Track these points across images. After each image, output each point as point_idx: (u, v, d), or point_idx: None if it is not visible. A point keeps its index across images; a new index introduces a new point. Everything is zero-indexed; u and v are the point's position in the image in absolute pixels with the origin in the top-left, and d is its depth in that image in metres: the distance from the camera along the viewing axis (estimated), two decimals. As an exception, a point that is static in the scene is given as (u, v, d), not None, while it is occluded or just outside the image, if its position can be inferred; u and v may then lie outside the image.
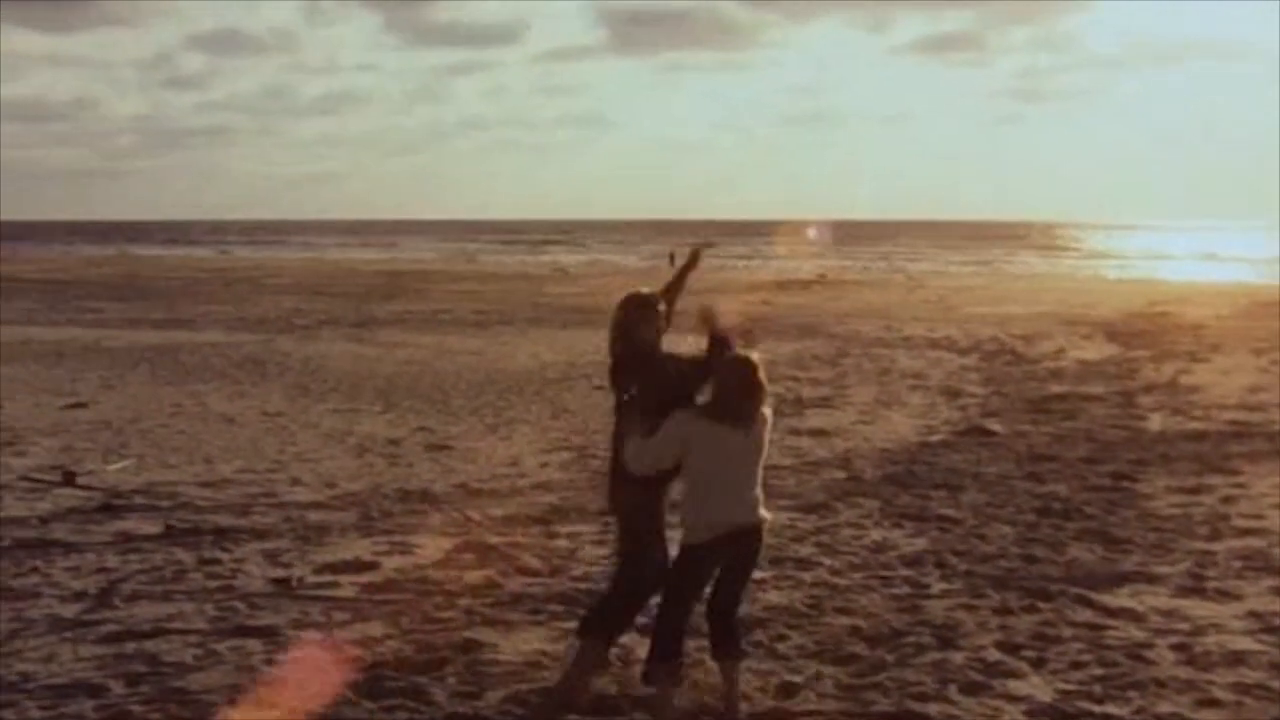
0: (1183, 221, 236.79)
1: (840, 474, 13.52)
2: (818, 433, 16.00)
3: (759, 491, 6.77)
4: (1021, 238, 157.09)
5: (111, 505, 11.91)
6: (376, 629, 8.30)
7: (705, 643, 7.01)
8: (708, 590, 6.86)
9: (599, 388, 20.23)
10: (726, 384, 6.69)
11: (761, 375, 6.68)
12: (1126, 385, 20.47)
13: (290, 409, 18.18)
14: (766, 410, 6.78)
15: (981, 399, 19.14)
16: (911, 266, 79.69)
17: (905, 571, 9.65)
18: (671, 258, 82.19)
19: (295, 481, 13.14)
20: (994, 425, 16.52)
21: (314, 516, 11.48)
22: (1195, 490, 12.66)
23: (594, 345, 26.38)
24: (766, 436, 6.80)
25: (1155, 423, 16.93)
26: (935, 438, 15.82)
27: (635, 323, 7.09)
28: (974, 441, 15.44)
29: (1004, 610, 8.68)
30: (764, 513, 6.80)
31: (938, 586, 9.28)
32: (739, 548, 6.75)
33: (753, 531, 6.76)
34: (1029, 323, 31.85)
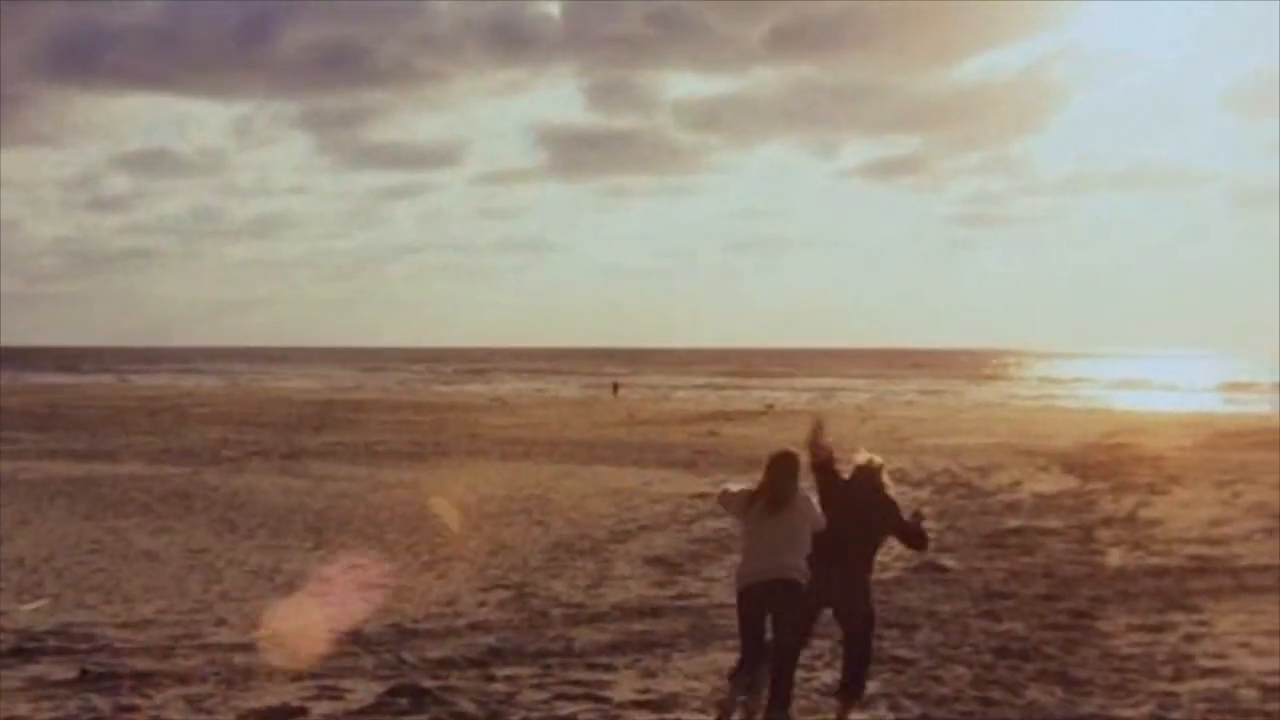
0: (1138, 350, 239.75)
1: (790, 613, 13.43)
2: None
3: (790, 558, 8.76)
4: (975, 366, 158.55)
5: (24, 649, 11.68)
6: (303, 780, 8.14)
7: None
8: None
9: (539, 523, 20.17)
10: (765, 478, 8.98)
11: (791, 471, 8.99)
12: (1084, 519, 20.57)
13: (216, 545, 17.99)
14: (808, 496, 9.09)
15: (935, 534, 19.14)
16: (862, 396, 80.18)
17: (858, 715, 9.58)
18: (615, 388, 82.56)
19: (220, 622, 12.96)
20: (948, 561, 16.54)
21: (239, 659, 11.30)
22: (1157, 628, 12.68)
23: (534, 479, 26.33)
24: (802, 516, 8.91)
25: (1115, 558, 17.00)
26: (888, 575, 15.77)
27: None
28: (927, 578, 15.44)
29: (961, 756, 8.61)
30: (793, 575, 8.70)
31: (892, 731, 9.20)
32: (769, 599, 8.70)
33: (775, 585, 8.68)
34: (983, 454, 32.03)
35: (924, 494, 23.98)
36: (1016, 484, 25.55)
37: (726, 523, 19.88)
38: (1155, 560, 16.80)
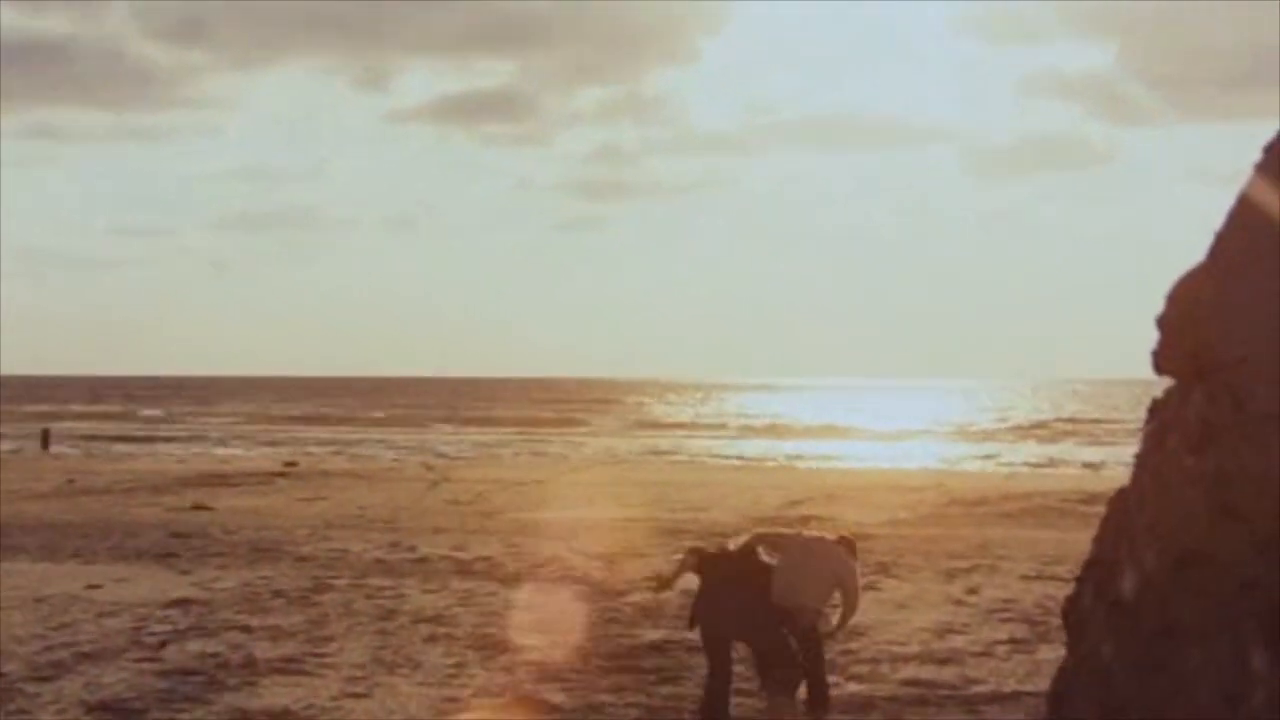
0: (836, 379, 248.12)
1: (314, 780, 13.37)
2: (279, 715, 15.81)
3: None
4: (600, 402, 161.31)
5: None
6: None
7: None
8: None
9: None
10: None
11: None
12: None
13: None
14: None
15: (538, 654, 19.30)
16: (434, 449, 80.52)
17: None
18: (45, 438, 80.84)
19: None
20: (556, 695, 16.68)
21: None
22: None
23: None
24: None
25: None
26: (465, 717, 15.86)
27: None
28: (518, 721, 15.56)
29: None
30: None
31: None
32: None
33: None
34: (610, 535, 32.42)
35: (521, 594, 24.15)
36: (659, 579, 25.83)
37: (222, 645, 19.58)
38: (857, 688, 17.30)
